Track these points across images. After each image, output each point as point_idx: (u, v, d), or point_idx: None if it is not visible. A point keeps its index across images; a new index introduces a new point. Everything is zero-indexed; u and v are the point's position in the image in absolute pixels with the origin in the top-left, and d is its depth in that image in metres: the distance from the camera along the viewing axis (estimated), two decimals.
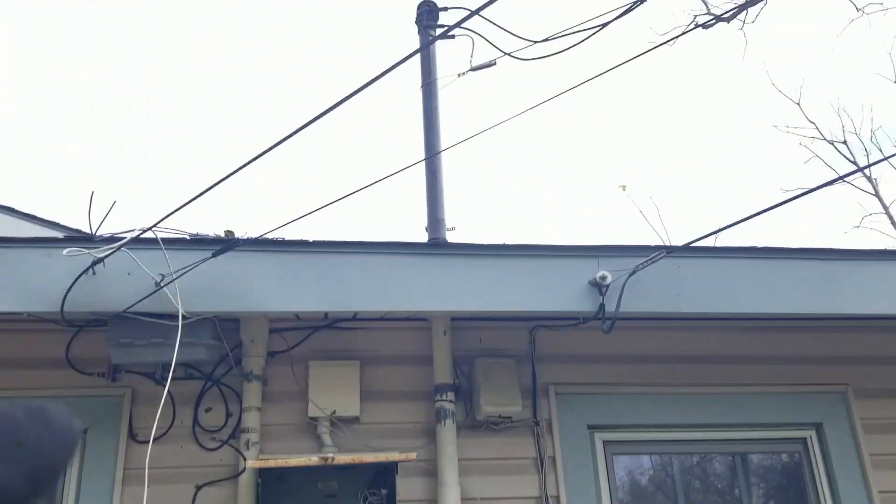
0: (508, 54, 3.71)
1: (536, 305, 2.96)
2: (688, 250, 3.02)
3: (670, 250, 2.93)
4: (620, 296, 2.89)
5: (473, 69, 3.69)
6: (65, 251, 2.62)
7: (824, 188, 4.13)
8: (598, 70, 3.15)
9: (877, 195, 12.87)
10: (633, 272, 2.91)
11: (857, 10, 10.36)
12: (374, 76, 2.38)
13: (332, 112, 2.50)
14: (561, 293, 2.97)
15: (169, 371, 2.82)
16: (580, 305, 2.95)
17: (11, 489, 0.33)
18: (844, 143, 13.07)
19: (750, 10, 11.09)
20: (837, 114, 14.18)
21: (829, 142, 13.11)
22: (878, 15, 10.48)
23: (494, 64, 3.68)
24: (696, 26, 11.15)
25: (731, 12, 11.20)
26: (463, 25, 3.57)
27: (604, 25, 3.48)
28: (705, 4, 11.11)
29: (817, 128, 13.19)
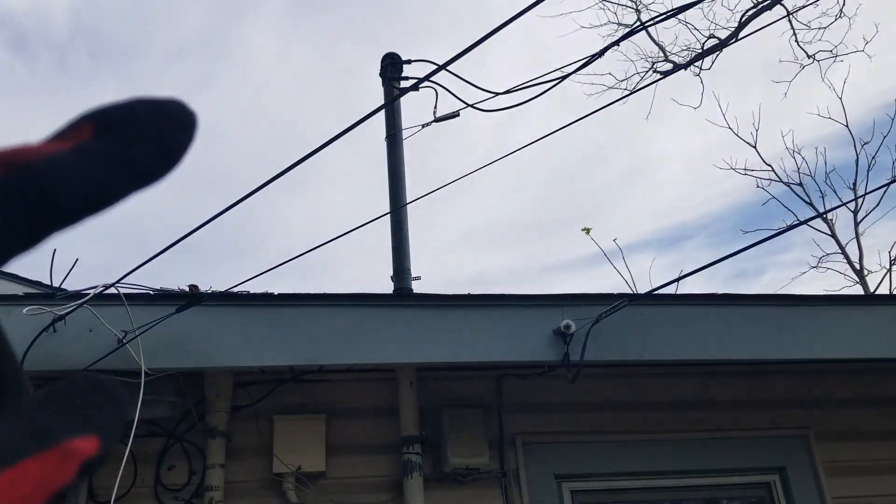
0: (471, 105, 3.78)
1: (502, 355, 2.98)
2: (650, 298, 3.07)
3: (633, 298, 2.97)
4: (584, 344, 2.92)
5: (437, 120, 3.75)
6: (25, 310, 2.58)
7: (784, 229, 4.23)
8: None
9: (833, 236, 13.17)
10: (597, 321, 2.94)
11: (809, 56, 10.73)
12: (338, 132, 2.41)
13: (297, 164, 2.52)
14: (526, 343, 2.99)
15: (131, 430, 2.77)
16: (545, 355, 2.98)
17: (145, 170, 0.35)
18: (800, 184, 13.39)
19: (706, 57, 11.39)
20: (792, 155, 14.54)
21: (785, 184, 13.42)
22: (829, 61, 10.82)
23: (458, 115, 3.74)
24: (655, 72, 11.40)
25: (689, 60, 11.49)
26: (426, 77, 3.64)
27: (563, 78, 3.57)
28: (663, 52, 11.40)
29: (774, 170, 13.51)
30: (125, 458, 2.76)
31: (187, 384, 3.18)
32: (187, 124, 0.37)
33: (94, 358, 2.70)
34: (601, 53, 3.68)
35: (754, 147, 13.38)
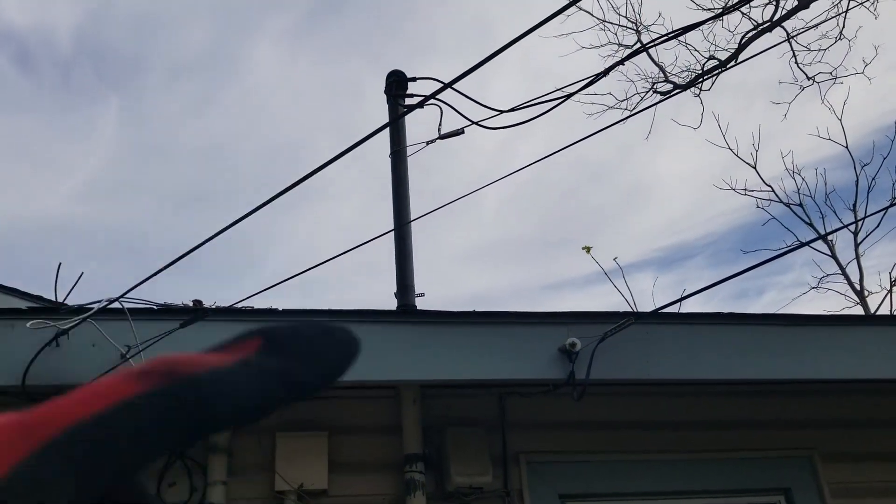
0: (476, 123, 3.78)
1: (506, 373, 2.96)
2: (656, 317, 3.06)
3: (638, 317, 2.96)
4: (590, 363, 2.90)
5: (442, 137, 3.76)
6: (28, 324, 2.57)
7: (778, 247, 4.23)
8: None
9: (833, 257, 13.18)
10: (603, 339, 2.93)
11: (808, 78, 10.78)
12: (342, 150, 2.41)
13: (302, 181, 2.52)
14: (531, 361, 2.98)
15: None
16: (550, 373, 2.96)
17: (304, 387, 0.37)
18: (800, 205, 13.41)
19: (706, 78, 11.47)
20: (792, 176, 14.56)
21: (785, 204, 13.43)
22: (828, 83, 10.87)
23: (462, 132, 3.74)
24: (656, 93, 11.45)
25: (689, 82, 11.56)
26: (431, 95, 3.65)
27: (567, 97, 3.58)
28: (664, 73, 11.46)
29: (773, 190, 13.52)
30: None
31: None
32: (350, 348, 0.39)
33: (98, 373, 2.68)
34: (606, 73, 3.70)
35: (754, 167, 13.40)
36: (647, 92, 11.98)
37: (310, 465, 3.18)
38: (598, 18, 11.42)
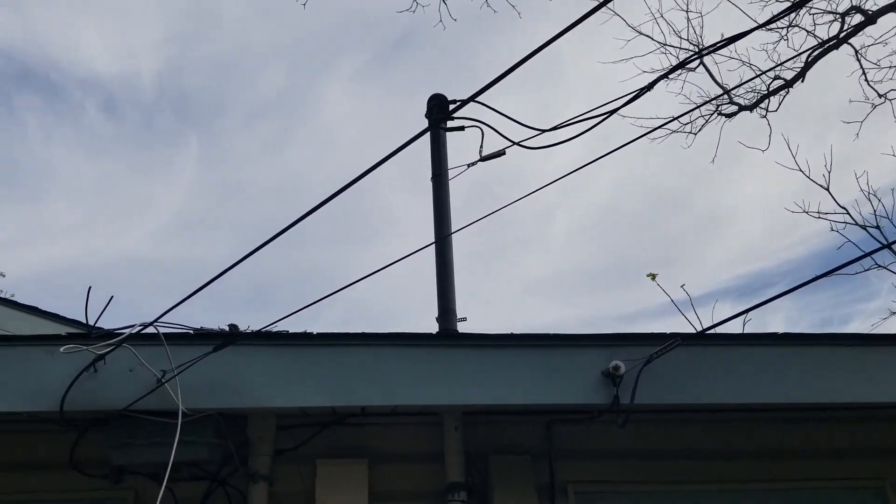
0: (518, 143, 3.71)
1: (548, 398, 2.85)
2: (704, 338, 2.91)
3: (685, 338, 2.82)
4: (635, 387, 2.77)
5: (483, 159, 3.70)
6: (62, 349, 2.59)
7: (851, 267, 3.98)
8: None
9: None
10: (648, 361, 2.80)
11: (880, 96, 10.38)
12: (375, 163, 2.38)
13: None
14: (574, 385, 2.86)
15: (171, 470, 2.73)
16: (594, 398, 2.84)
17: None
18: (877, 227, 12.84)
19: (772, 98, 11.15)
20: (868, 198, 13.99)
21: (861, 227, 12.88)
22: None
23: (504, 154, 3.68)
24: (720, 115, 11.19)
25: (754, 102, 11.24)
26: (471, 117, 3.60)
27: (612, 112, 3.48)
28: (727, 94, 11.20)
29: (848, 213, 12.99)
30: (159, 500, 2.71)
31: (230, 427, 3.14)
32: None
33: (134, 398, 2.69)
34: (650, 87, 3.59)
35: (827, 189, 12.90)
36: (712, 114, 11.74)
37: (350, 494, 3.12)
38: (658, 42, 11.29)
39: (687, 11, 10.74)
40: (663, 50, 11.14)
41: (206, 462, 3.06)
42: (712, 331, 2.87)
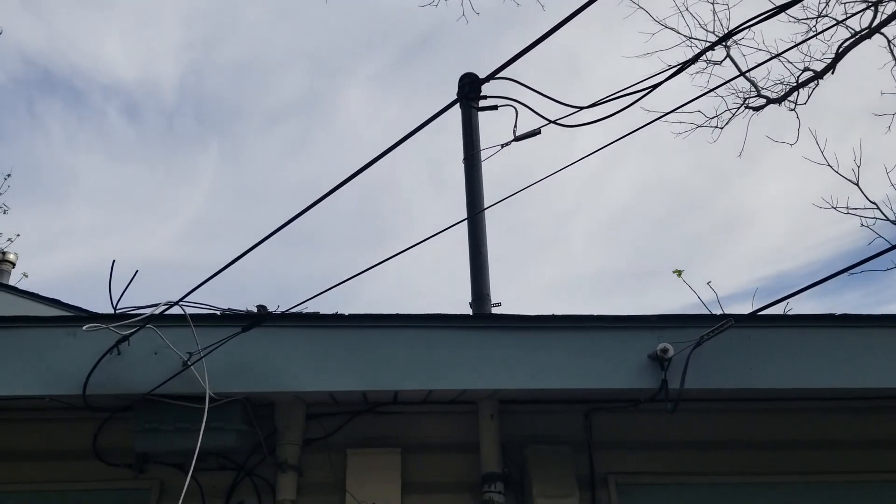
0: (553, 122, 3.58)
1: (590, 382, 2.69)
2: (758, 319, 2.75)
3: (738, 319, 2.66)
4: (685, 371, 2.61)
5: (517, 139, 3.56)
6: (84, 327, 2.48)
7: (881, 263, 3.80)
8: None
9: None
10: (698, 343, 2.64)
11: None
12: (396, 140, 2.25)
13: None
14: (618, 369, 2.71)
15: (197, 459, 2.61)
16: (639, 382, 2.68)
17: None
18: None
19: (801, 91, 10.92)
20: None
21: (892, 222, 12.58)
22: None
23: (539, 133, 3.54)
24: (748, 108, 10.98)
25: (783, 94, 11.01)
26: (504, 95, 3.47)
27: (651, 89, 3.34)
28: (755, 87, 10.98)
29: (878, 208, 12.70)
30: (184, 489, 2.60)
31: (258, 415, 3.02)
32: None
33: (159, 381, 2.57)
34: (693, 61, 3.45)
35: (856, 184, 12.64)
36: (739, 108, 11.53)
37: (382, 484, 2.99)
38: (683, 35, 11.10)
39: (713, 3, 10.57)
40: (689, 43, 10.97)
41: (233, 450, 2.94)
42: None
